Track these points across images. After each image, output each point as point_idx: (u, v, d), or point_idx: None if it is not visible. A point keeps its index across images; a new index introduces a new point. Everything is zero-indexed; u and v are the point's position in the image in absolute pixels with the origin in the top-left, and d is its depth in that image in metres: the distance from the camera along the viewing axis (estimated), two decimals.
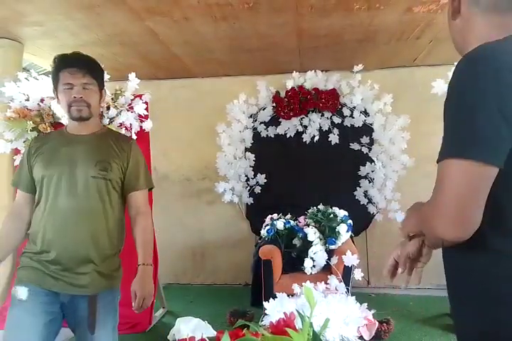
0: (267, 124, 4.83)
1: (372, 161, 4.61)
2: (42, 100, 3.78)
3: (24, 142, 3.78)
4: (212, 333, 3.07)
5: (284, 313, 1.03)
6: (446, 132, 1.08)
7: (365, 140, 4.66)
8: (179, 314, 3.81)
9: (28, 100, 3.76)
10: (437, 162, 1.03)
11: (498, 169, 0.87)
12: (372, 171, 4.61)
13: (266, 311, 3.14)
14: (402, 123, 4.39)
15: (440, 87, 3.32)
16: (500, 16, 1.00)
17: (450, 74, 3.61)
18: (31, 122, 3.69)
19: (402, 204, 4.46)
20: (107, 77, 3.60)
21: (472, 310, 0.98)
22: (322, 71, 4.69)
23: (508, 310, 0.89)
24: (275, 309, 3.04)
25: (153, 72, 4.94)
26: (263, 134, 4.84)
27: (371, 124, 4.63)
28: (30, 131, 3.72)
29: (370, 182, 4.64)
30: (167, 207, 5.06)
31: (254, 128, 4.86)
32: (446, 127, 1.09)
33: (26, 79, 3.73)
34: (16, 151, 3.82)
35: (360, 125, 4.66)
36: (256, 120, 4.84)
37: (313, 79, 4.66)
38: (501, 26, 0.99)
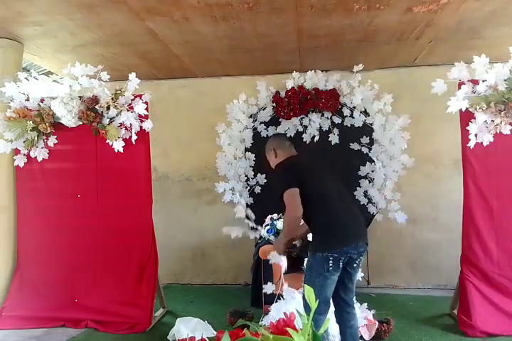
0: (267, 124, 4.83)
1: (372, 161, 4.61)
2: (42, 100, 3.78)
3: (24, 142, 3.78)
4: (212, 333, 3.07)
5: (284, 313, 1.03)
6: None
7: (365, 140, 4.66)
8: (179, 314, 3.82)
9: (28, 100, 3.77)
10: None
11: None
12: (372, 171, 4.61)
13: (271, 312, 3.14)
14: (402, 123, 4.39)
15: (440, 87, 3.32)
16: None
17: (450, 74, 3.61)
18: (31, 122, 3.70)
19: (402, 204, 4.46)
20: (106, 77, 3.62)
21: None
22: (322, 71, 4.68)
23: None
24: (280, 310, 3.05)
25: (153, 72, 4.94)
26: (263, 134, 4.84)
27: (371, 124, 4.62)
28: (30, 131, 3.72)
29: (370, 182, 4.64)
30: (167, 207, 5.06)
31: (254, 128, 4.85)
32: None
33: (26, 79, 3.73)
34: (16, 151, 3.82)
35: (360, 125, 4.65)
36: (256, 120, 4.84)
37: (313, 79, 4.65)
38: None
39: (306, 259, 3.63)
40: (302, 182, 2.39)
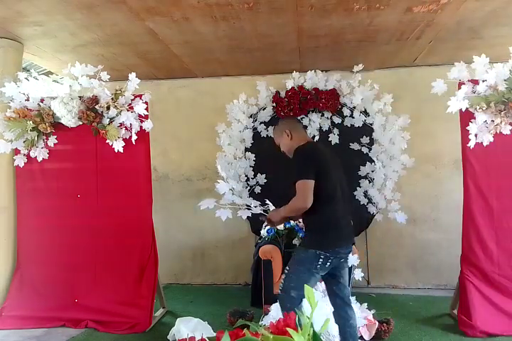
0: (267, 124, 4.83)
1: (372, 161, 4.61)
2: (42, 100, 3.78)
3: (24, 142, 3.78)
4: (212, 333, 3.07)
5: (284, 313, 1.03)
6: None
7: (365, 140, 4.66)
8: (179, 314, 3.82)
9: (28, 100, 3.77)
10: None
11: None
12: (372, 171, 4.61)
13: (271, 312, 3.14)
14: (402, 123, 4.39)
15: (440, 87, 3.32)
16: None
17: (450, 74, 3.60)
18: (31, 122, 3.70)
19: (402, 204, 4.46)
20: (106, 77, 3.62)
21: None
22: (322, 71, 4.68)
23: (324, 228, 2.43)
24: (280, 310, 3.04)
25: (153, 72, 4.94)
26: (263, 134, 4.84)
27: (371, 124, 4.62)
28: (30, 131, 3.72)
29: (370, 182, 4.63)
30: (167, 207, 5.06)
31: (254, 128, 4.85)
32: None
33: (26, 79, 3.73)
34: (16, 151, 3.82)
35: (360, 125, 4.65)
36: (256, 120, 4.84)
37: (313, 79, 4.65)
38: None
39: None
40: (318, 178, 2.37)
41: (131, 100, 3.62)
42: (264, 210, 3.86)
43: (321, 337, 0.96)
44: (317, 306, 1.02)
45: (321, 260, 2.36)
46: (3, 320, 3.64)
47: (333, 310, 2.58)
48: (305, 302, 2.35)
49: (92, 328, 3.59)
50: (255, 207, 2.70)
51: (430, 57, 4.54)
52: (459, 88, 3.30)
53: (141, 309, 3.60)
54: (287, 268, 2.46)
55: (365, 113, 4.64)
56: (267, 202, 3.98)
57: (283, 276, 2.46)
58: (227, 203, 2.90)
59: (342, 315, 2.55)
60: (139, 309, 3.60)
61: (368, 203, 4.64)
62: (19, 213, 3.90)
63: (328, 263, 2.38)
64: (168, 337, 3.31)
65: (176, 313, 3.93)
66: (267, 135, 4.82)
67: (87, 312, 3.65)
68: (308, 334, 0.94)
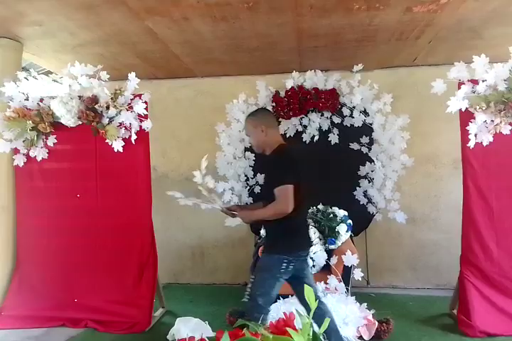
0: None
1: (371, 161, 4.61)
2: (41, 100, 3.78)
3: (24, 141, 3.78)
4: (212, 333, 3.06)
5: (284, 313, 1.03)
6: None
7: (364, 140, 4.66)
8: (179, 314, 3.81)
9: (27, 100, 3.76)
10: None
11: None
12: (372, 171, 4.61)
13: (270, 312, 3.14)
14: (401, 123, 4.39)
15: (440, 86, 3.32)
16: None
17: (450, 74, 3.59)
18: (31, 122, 3.69)
19: (401, 204, 4.46)
20: (106, 76, 3.62)
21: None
22: (322, 71, 4.68)
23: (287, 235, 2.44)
24: (280, 311, 3.05)
25: (153, 71, 4.94)
26: None
27: (371, 124, 4.62)
28: (30, 130, 3.72)
29: (369, 182, 4.63)
30: (166, 207, 5.04)
31: None
32: None
33: (26, 78, 3.73)
34: (16, 151, 3.82)
35: (360, 125, 4.65)
36: None
37: (313, 79, 4.65)
38: None
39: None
40: (295, 183, 2.40)
41: (131, 100, 3.62)
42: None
43: (321, 338, 0.96)
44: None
45: (284, 264, 2.40)
46: (3, 319, 3.64)
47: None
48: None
49: (91, 328, 3.59)
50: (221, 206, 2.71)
51: (430, 57, 4.54)
52: (459, 88, 3.30)
53: (141, 309, 3.60)
54: (253, 276, 2.48)
55: (365, 113, 4.64)
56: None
57: (249, 285, 2.47)
58: (194, 198, 2.91)
59: (316, 312, 2.55)
60: (139, 309, 3.60)
61: (367, 203, 4.65)
62: (18, 213, 3.90)
63: (291, 267, 2.42)
64: (167, 336, 3.31)
65: (176, 313, 3.92)
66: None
67: (87, 312, 3.65)
68: (308, 335, 0.94)
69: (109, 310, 3.63)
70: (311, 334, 0.95)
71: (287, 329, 0.93)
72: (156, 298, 3.77)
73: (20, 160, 3.82)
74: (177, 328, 3.28)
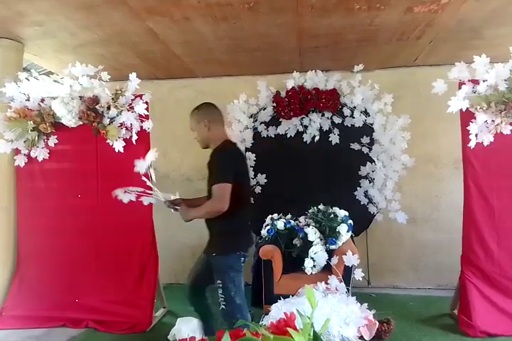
0: (267, 124, 4.82)
1: (372, 161, 4.61)
2: (42, 100, 3.78)
3: (25, 142, 3.78)
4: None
5: (285, 313, 1.02)
6: None
7: (365, 140, 4.65)
8: (179, 314, 3.81)
9: (28, 100, 3.77)
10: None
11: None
12: (373, 171, 4.61)
13: (271, 312, 3.14)
14: (402, 123, 4.39)
15: (440, 87, 3.32)
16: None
17: (450, 74, 3.59)
18: (32, 122, 3.70)
19: (402, 204, 4.46)
20: (107, 77, 3.62)
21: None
22: (322, 71, 4.68)
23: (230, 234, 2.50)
24: (280, 311, 3.05)
25: (153, 72, 4.94)
26: (263, 134, 4.84)
27: (371, 124, 4.62)
28: (31, 130, 3.73)
29: (370, 182, 4.63)
30: (167, 208, 5.04)
31: (255, 128, 4.85)
32: None
33: (27, 79, 3.73)
34: (17, 151, 3.82)
35: (361, 125, 4.64)
36: (256, 120, 4.83)
37: (314, 79, 4.65)
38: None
39: (306, 259, 3.62)
40: (236, 181, 2.40)
41: (132, 100, 3.62)
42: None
43: (322, 338, 0.96)
44: (317, 306, 1.02)
45: (242, 259, 2.47)
46: (4, 319, 3.64)
47: (193, 299, 2.82)
48: (306, 303, 2.35)
49: (92, 328, 3.59)
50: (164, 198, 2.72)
51: (431, 57, 4.54)
52: (460, 88, 3.30)
53: (142, 309, 3.61)
54: (219, 281, 2.45)
55: (366, 113, 4.64)
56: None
57: (219, 291, 2.44)
58: (137, 190, 2.90)
59: (200, 301, 2.78)
60: (140, 309, 3.61)
61: (368, 203, 4.65)
62: (19, 213, 3.90)
63: (244, 262, 2.49)
64: (168, 337, 3.31)
65: (177, 313, 3.92)
66: (267, 135, 4.82)
67: (88, 312, 3.65)
68: (309, 335, 0.94)
69: (110, 310, 3.63)
70: (311, 334, 0.95)
71: (288, 329, 0.93)
72: (156, 298, 3.77)
73: (21, 161, 3.82)
74: (178, 328, 3.29)
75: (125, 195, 2.76)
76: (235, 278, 2.43)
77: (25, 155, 3.83)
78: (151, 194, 2.73)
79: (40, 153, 3.81)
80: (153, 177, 2.77)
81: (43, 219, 3.84)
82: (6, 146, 3.74)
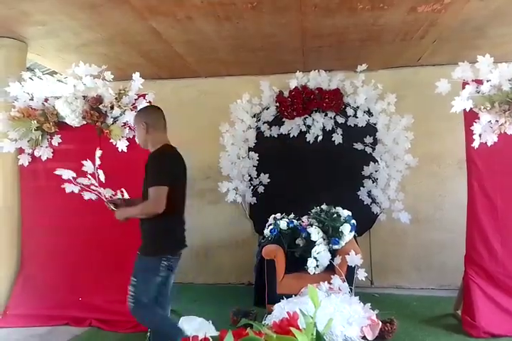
0: (270, 124, 4.83)
1: (375, 161, 4.60)
2: (46, 100, 3.79)
3: (28, 141, 3.79)
4: (216, 332, 3.07)
5: (288, 313, 1.03)
6: None
7: (368, 140, 4.65)
8: (183, 313, 3.82)
9: (32, 99, 3.78)
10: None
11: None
12: (376, 171, 4.60)
13: (274, 312, 3.14)
14: (405, 123, 4.38)
15: (444, 86, 3.31)
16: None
17: (454, 74, 3.57)
18: (35, 121, 3.71)
19: (405, 204, 4.45)
20: (110, 76, 3.63)
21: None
22: (326, 71, 4.67)
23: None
24: (283, 310, 3.05)
25: (156, 71, 4.95)
26: (266, 134, 4.84)
27: (375, 124, 4.62)
28: (35, 130, 3.74)
29: (373, 182, 4.63)
30: None
31: (258, 128, 4.85)
32: None
33: (30, 78, 3.74)
34: (20, 151, 3.83)
35: (364, 125, 4.64)
36: (259, 120, 4.84)
37: (317, 79, 4.65)
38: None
39: (309, 259, 3.62)
40: (171, 185, 2.46)
41: (135, 100, 3.63)
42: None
43: (325, 337, 0.96)
44: (320, 306, 1.02)
45: (164, 262, 2.49)
46: (8, 318, 3.66)
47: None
48: (309, 303, 2.35)
49: (95, 327, 3.60)
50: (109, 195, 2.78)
51: (434, 57, 4.53)
52: (463, 88, 3.29)
53: None
54: (133, 278, 2.50)
55: (369, 113, 4.64)
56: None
57: (130, 288, 2.49)
58: (82, 183, 2.93)
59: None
60: None
61: (371, 203, 4.65)
62: (23, 212, 3.92)
63: (170, 264, 2.53)
64: None
65: (180, 312, 3.92)
66: (270, 135, 4.83)
67: (91, 311, 3.66)
68: (312, 334, 0.94)
69: (113, 309, 3.63)
70: (314, 333, 0.95)
71: (291, 328, 0.93)
72: None
73: (25, 160, 3.84)
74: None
75: (66, 172, 2.90)
76: (150, 280, 2.49)
77: (29, 154, 3.84)
78: (95, 190, 2.75)
79: (44, 153, 3.82)
80: (102, 177, 2.87)
81: (47, 219, 3.85)
82: (10, 145, 3.75)
